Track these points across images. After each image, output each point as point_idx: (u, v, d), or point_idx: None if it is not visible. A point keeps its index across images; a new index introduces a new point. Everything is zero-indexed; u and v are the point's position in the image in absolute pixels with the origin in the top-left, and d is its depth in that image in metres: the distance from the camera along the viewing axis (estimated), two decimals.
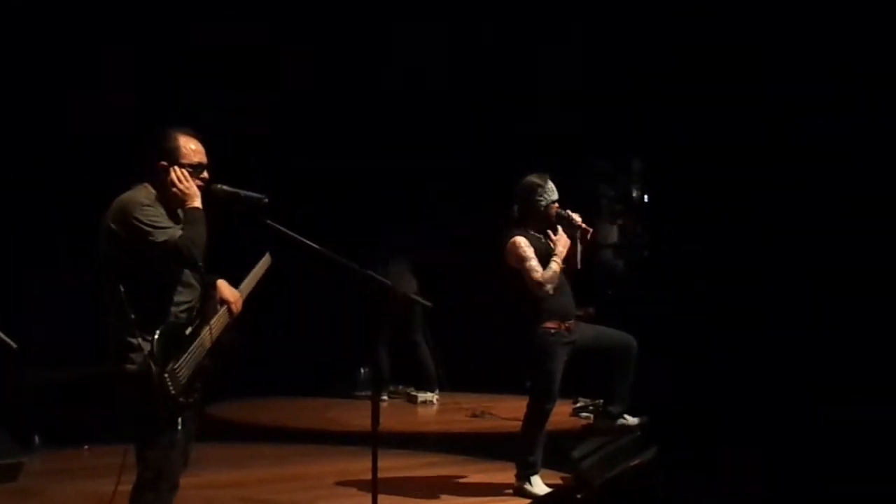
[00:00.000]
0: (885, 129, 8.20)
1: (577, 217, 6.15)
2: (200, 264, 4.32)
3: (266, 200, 4.38)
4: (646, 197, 10.83)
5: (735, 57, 9.06)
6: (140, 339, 4.07)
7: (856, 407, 7.13)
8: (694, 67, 9.39)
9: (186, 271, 4.29)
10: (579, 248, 6.19)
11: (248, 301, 4.54)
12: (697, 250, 9.42)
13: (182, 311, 4.25)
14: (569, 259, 6.18)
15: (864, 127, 8.31)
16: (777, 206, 8.80)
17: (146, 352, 4.04)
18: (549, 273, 5.98)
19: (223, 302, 4.43)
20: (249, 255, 4.69)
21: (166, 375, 4.06)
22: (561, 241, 6.11)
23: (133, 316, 4.08)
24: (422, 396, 9.67)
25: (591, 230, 6.21)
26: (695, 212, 9.58)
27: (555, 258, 6.04)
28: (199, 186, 4.29)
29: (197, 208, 4.23)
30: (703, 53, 9.33)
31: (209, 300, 4.39)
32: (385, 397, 9.67)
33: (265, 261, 4.69)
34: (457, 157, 10.36)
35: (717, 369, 8.29)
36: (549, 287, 5.97)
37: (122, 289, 4.10)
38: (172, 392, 4.07)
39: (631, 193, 11.00)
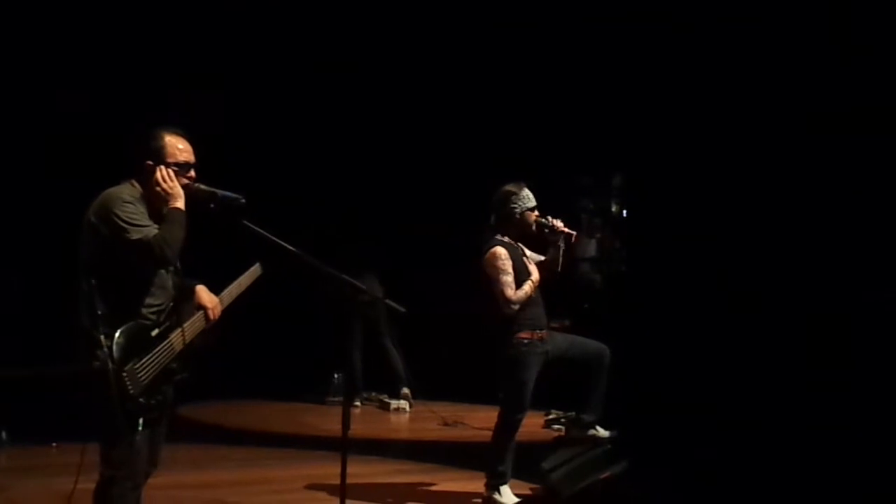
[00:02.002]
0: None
1: (558, 223, 6.17)
2: (177, 266, 4.33)
3: (243, 201, 4.37)
4: (624, 212, 10.87)
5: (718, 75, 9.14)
6: (103, 336, 4.05)
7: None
8: (679, 84, 9.45)
9: (163, 273, 4.29)
10: (562, 251, 6.22)
11: (230, 308, 4.54)
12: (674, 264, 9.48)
13: (152, 313, 4.25)
14: (551, 263, 6.22)
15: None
16: (757, 219, 8.88)
17: (105, 349, 4.03)
18: (520, 293, 6.02)
19: (200, 307, 4.42)
20: (242, 263, 4.69)
21: (125, 374, 4.05)
22: (535, 269, 6.16)
23: (100, 312, 4.07)
24: (394, 403, 9.66)
25: (574, 233, 6.23)
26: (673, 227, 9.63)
27: (529, 281, 6.07)
28: (185, 185, 4.29)
29: (178, 209, 4.23)
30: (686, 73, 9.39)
31: (185, 304, 4.39)
32: (358, 403, 9.67)
33: (254, 270, 4.68)
34: (433, 167, 10.39)
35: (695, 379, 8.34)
36: (516, 306, 6.00)
37: (94, 282, 4.10)
38: (131, 391, 4.06)
39: (610, 208, 11.04)
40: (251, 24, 10.17)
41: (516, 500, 6.10)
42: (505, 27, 10.14)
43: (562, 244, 6.20)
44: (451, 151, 10.39)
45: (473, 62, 10.30)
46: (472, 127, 10.41)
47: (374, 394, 9.92)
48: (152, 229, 4.16)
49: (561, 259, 6.23)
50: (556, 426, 8.36)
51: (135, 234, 4.12)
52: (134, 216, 4.16)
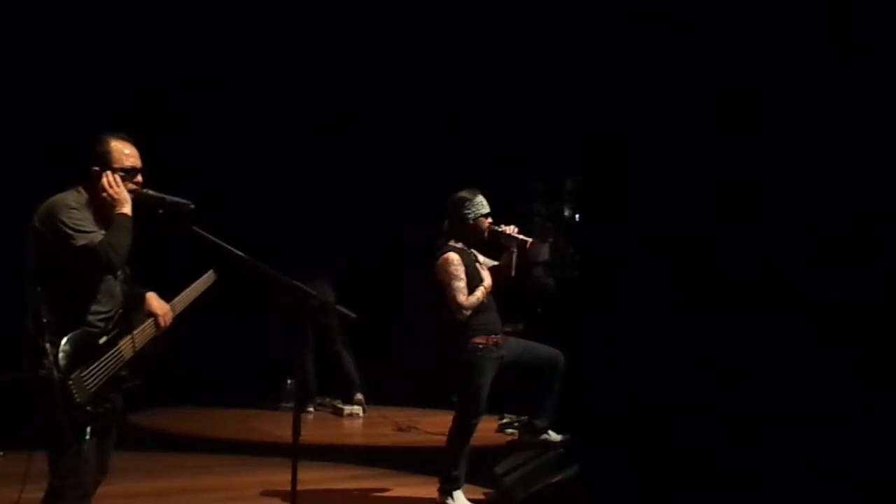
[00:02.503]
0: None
1: (509, 229, 6.18)
2: (125, 272, 4.30)
3: (192, 206, 4.36)
4: (577, 216, 10.90)
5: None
6: (49, 344, 4.02)
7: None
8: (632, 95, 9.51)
9: (110, 280, 4.25)
10: (514, 257, 6.22)
11: (181, 314, 4.52)
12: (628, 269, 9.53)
13: (99, 320, 4.21)
14: (504, 268, 6.22)
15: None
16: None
17: (51, 357, 3.99)
18: (472, 299, 6.02)
19: (151, 314, 4.39)
20: (196, 270, 4.66)
21: (71, 382, 4.02)
22: (488, 275, 6.15)
23: (45, 320, 4.04)
24: (348, 409, 9.63)
25: (529, 240, 6.25)
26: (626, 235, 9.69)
27: (481, 287, 6.07)
28: (132, 191, 4.26)
29: (125, 215, 4.21)
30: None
31: (136, 311, 4.36)
32: (311, 409, 9.63)
33: (208, 277, 4.66)
34: (385, 172, 10.39)
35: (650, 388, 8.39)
36: (467, 312, 5.99)
37: (39, 290, 4.05)
38: (77, 400, 4.03)
39: (563, 212, 11.06)
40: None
41: None
42: (455, 32, 10.14)
43: (515, 249, 6.22)
44: (404, 156, 10.39)
45: (425, 67, 10.30)
46: (425, 132, 10.40)
47: (327, 399, 9.88)
48: (98, 235, 4.13)
49: (514, 264, 6.24)
50: (510, 430, 8.37)
51: (80, 240, 4.09)
52: (79, 222, 4.13)
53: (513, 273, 6.27)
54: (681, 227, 9.12)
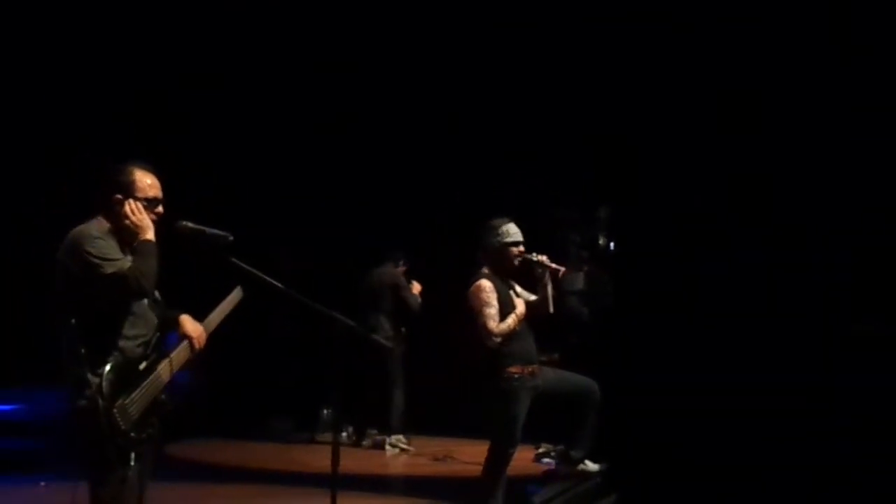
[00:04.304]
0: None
1: (543, 258, 6.16)
2: (157, 296, 4.33)
3: (231, 238, 4.39)
4: (611, 245, 10.88)
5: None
6: (90, 374, 4.05)
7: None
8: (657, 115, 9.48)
9: (143, 304, 4.29)
10: (550, 291, 6.18)
11: (215, 337, 4.54)
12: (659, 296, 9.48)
13: (137, 346, 4.24)
14: (541, 304, 6.19)
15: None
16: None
17: (94, 387, 4.03)
18: (503, 326, 5.97)
19: (185, 337, 4.42)
20: (222, 289, 4.69)
21: (115, 411, 4.05)
22: (521, 303, 6.12)
23: (83, 350, 4.07)
24: (388, 440, 9.59)
25: (561, 269, 6.20)
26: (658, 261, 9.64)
27: (513, 314, 6.04)
28: (152, 220, 4.30)
29: (149, 241, 4.24)
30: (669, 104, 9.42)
31: (170, 334, 4.39)
32: (349, 439, 9.61)
33: (235, 294, 4.68)
34: (423, 201, 10.42)
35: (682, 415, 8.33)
36: (498, 340, 5.96)
37: (74, 322, 4.10)
38: (122, 428, 4.06)
39: (597, 241, 11.04)
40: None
41: None
42: (485, 58, 10.16)
43: (548, 281, 6.17)
44: (441, 185, 10.41)
45: (456, 97, 10.32)
46: (460, 162, 10.43)
47: (367, 430, 9.88)
48: (126, 262, 4.17)
49: (551, 297, 6.18)
50: (546, 460, 8.35)
51: (109, 268, 4.13)
52: (106, 251, 4.17)
53: (551, 309, 6.21)
54: (693, 227, 9.03)
